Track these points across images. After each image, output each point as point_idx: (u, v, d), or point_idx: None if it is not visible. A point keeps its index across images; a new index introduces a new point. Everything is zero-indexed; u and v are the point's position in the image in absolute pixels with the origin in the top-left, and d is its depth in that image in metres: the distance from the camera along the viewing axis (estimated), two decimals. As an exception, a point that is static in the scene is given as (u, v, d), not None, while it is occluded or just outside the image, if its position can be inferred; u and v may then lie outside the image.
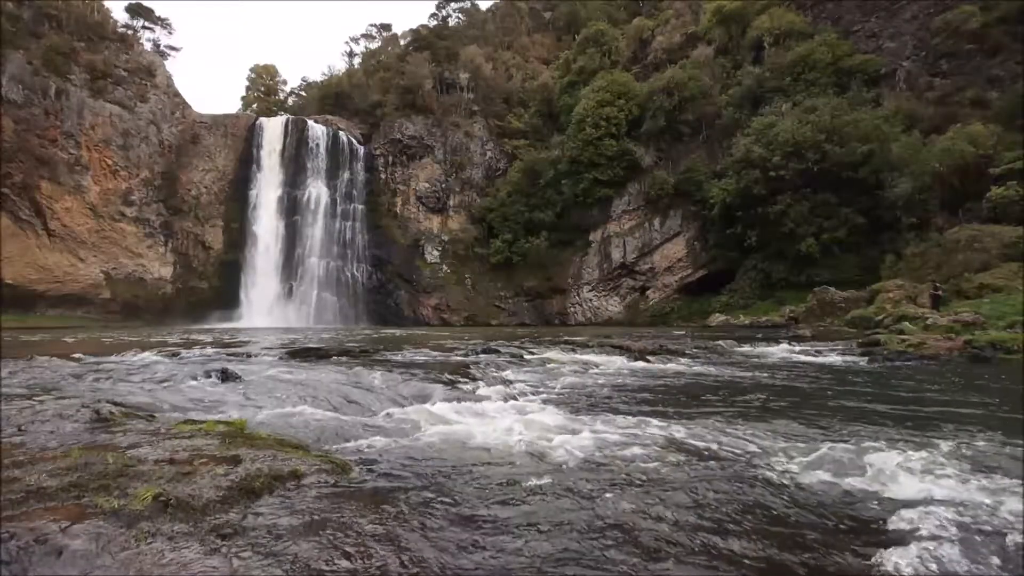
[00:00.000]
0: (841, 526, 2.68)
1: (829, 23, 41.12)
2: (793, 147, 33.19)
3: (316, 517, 2.49)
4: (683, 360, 11.47)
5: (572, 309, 46.41)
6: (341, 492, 2.89)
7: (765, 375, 9.29)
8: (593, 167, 44.13)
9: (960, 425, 5.10)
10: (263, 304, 45.56)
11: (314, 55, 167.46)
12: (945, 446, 4.19)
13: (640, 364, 10.76)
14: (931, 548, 2.34)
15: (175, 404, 5.39)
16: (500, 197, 48.89)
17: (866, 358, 11.68)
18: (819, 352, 13.20)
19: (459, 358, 10.72)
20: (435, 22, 67.82)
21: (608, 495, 3.02)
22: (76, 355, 10.06)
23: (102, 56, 44.45)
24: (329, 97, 60.06)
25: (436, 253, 49.72)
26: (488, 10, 71.76)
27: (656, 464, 3.68)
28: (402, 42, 66.59)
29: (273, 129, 50.30)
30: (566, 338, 17.60)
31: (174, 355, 10.97)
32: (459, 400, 6.27)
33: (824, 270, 31.65)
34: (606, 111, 43.61)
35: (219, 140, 49.54)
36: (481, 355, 11.45)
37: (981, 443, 4.32)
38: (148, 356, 10.78)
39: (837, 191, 32.33)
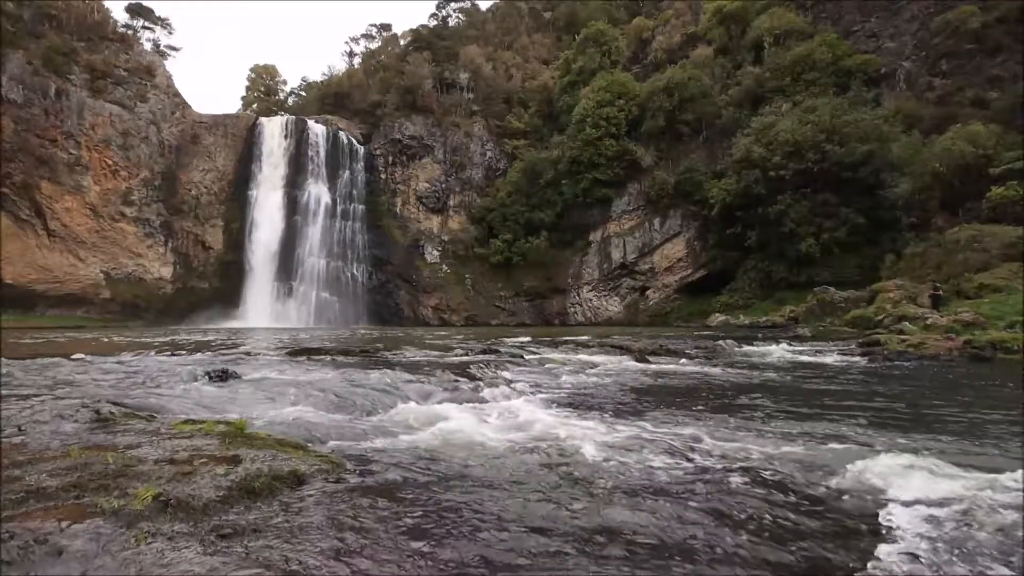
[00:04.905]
0: (838, 526, 2.68)
1: (829, 23, 41.14)
2: (793, 147, 33.18)
3: (316, 517, 2.49)
4: (683, 360, 11.47)
5: (572, 309, 46.41)
6: (341, 492, 2.90)
7: (765, 375, 9.29)
8: (593, 167, 44.13)
9: (959, 425, 5.10)
10: (263, 304, 45.55)
11: (314, 55, 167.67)
12: (945, 445, 4.20)
13: (640, 364, 10.76)
14: (929, 547, 2.34)
15: (175, 404, 5.39)
16: (500, 197, 48.88)
17: (866, 358, 11.69)
18: (819, 352, 13.20)
19: (459, 358, 10.72)
20: (435, 22, 67.85)
21: (607, 495, 3.02)
22: (76, 355, 10.06)
23: (102, 56, 44.42)
24: (329, 97, 60.08)
25: (436, 253, 49.73)
26: (488, 10, 71.80)
27: (655, 464, 3.68)
28: (402, 42, 66.60)
29: (273, 129, 50.30)
30: (566, 338, 17.61)
31: (174, 355, 10.98)
32: (459, 400, 6.28)
33: (824, 270, 31.65)
34: (606, 111, 43.61)
35: (219, 140, 49.52)
36: (481, 355, 11.45)
37: (980, 442, 4.33)
38: (148, 356, 10.79)
39: (837, 191, 32.32)
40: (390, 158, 51.72)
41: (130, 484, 2.57)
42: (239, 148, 49.70)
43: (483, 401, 6.38)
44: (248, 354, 11.47)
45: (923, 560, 2.26)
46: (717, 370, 9.95)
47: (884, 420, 5.29)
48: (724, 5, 46.36)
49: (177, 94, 48.82)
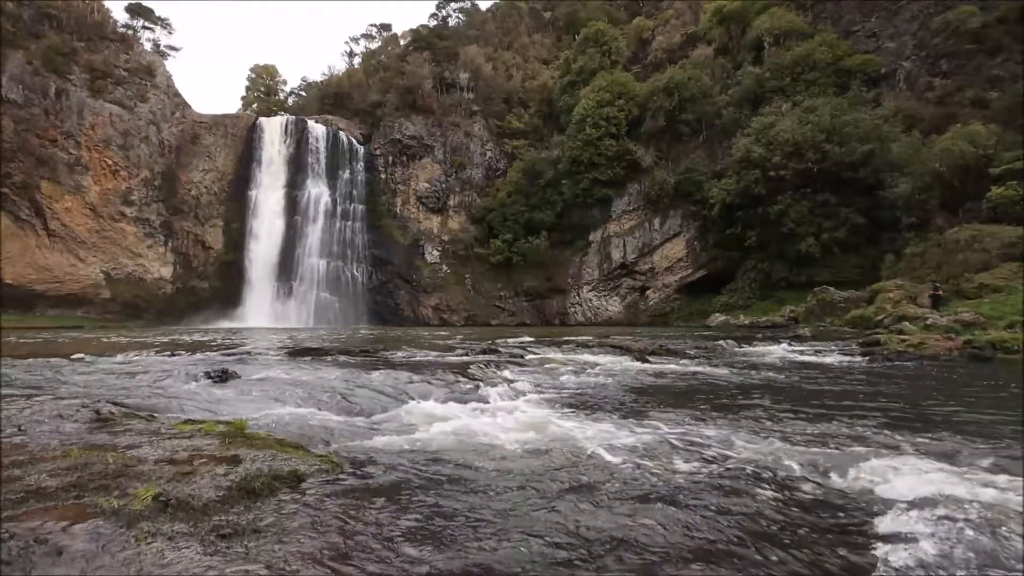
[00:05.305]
0: (839, 526, 2.68)
1: (829, 23, 41.12)
2: (793, 147, 33.18)
3: (316, 517, 2.49)
4: (683, 360, 11.47)
5: (572, 309, 46.41)
6: (341, 492, 2.89)
7: (766, 376, 9.28)
8: (593, 167, 44.15)
9: (960, 425, 5.09)
10: (263, 304, 45.53)
11: (314, 55, 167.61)
12: (949, 447, 4.19)
13: (640, 364, 10.75)
14: (930, 547, 2.34)
15: (175, 404, 5.38)
16: (500, 197, 48.90)
17: (866, 358, 11.67)
18: (819, 352, 13.19)
19: (460, 358, 10.71)
20: (435, 22, 67.91)
21: (606, 496, 3.02)
22: (76, 355, 10.06)
23: (102, 56, 44.41)
24: (329, 97, 60.07)
25: (436, 253, 49.73)
26: (488, 10, 71.80)
27: (653, 464, 3.67)
28: (402, 42, 66.61)
29: (273, 129, 50.29)
30: (567, 338, 17.61)
31: (174, 355, 10.98)
32: (459, 400, 6.27)
33: (824, 270, 31.65)
34: (606, 111, 43.62)
35: (219, 140, 49.51)
36: (481, 355, 11.45)
37: (980, 443, 4.32)
38: (148, 356, 10.79)
39: (837, 191, 32.33)
40: (390, 158, 51.72)
41: (130, 484, 2.57)
42: (239, 148, 49.68)
43: (484, 401, 6.38)
44: (248, 354, 11.47)
45: (932, 562, 2.25)
46: (718, 370, 9.94)
47: (888, 422, 5.28)
48: (724, 5, 46.35)
49: (177, 94, 48.81)
